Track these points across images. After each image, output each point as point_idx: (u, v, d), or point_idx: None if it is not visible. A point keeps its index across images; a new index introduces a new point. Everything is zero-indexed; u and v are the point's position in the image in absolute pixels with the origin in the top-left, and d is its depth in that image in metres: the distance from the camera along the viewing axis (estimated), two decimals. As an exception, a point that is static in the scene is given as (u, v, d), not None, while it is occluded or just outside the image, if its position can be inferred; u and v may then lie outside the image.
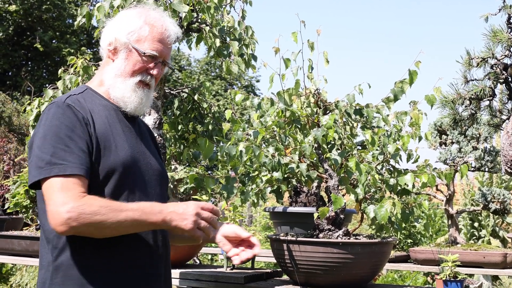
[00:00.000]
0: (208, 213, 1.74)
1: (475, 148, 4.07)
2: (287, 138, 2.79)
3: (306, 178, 2.81)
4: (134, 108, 1.88)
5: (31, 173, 1.69)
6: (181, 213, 1.70)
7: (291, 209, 3.52)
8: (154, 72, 1.88)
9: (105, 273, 1.70)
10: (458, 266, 2.58)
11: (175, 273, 2.91)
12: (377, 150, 2.74)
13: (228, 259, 3.04)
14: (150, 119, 3.25)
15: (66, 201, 1.61)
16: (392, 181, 2.66)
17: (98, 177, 1.72)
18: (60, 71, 3.50)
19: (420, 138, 2.78)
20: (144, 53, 1.85)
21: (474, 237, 6.73)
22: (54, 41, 18.16)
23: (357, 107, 2.81)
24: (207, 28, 3.34)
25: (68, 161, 1.65)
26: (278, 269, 3.07)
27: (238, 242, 1.83)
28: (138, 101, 1.87)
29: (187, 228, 1.69)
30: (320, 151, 2.73)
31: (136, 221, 1.66)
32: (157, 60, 1.88)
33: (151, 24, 1.88)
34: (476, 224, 6.77)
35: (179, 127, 3.69)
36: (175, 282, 2.89)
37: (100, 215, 1.61)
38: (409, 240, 4.67)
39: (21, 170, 5.06)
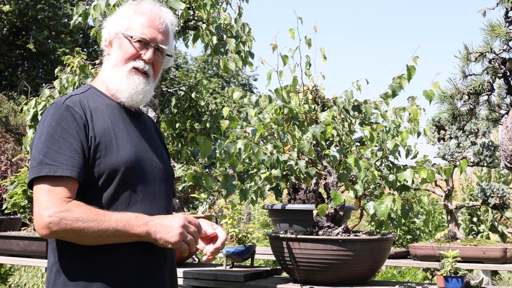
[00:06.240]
0: (194, 227, 1.71)
1: (473, 143, 4.07)
2: (286, 135, 2.78)
3: (305, 175, 2.80)
4: (129, 96, 1.84)
5: (29, 173, 1.70)
6: (167, 226, 1.67)
7: (290, 206, 3.51)
8: (146, 56, 1.84)
9: (107, 274, 1.69)
10: (458, 261, 2.58)
11: (175, 272, 2.90)
12: (375, 146, 2.73)
13: (227, 257, 3.03)
14: (147, 118, 3.24)
15: (49, 205, 1.61)
16: (391, 177, 2.65)
17: (99, 177, 1.71)
18: (56, 70, 3.49)
19: (418, 134, 2.77)
20: (132, 37, 1.83)
21: (473, 232, 6.73)
22: (49, 41, 18.10)
23: (355, 103, 2.80)
24: (204, 26, 3.33)
25: (59, 162, 1.65)
26: (278, 267, 3.06)
27: (211, 238, 1.86)
28: (133, 87, 1.83)
29: (172, 241, 1.66)
30: (318, 148, 2.72)
31: (118, 231, 1.64)
32: (148, 45, 1.85)
33: (141, 12, 1.87)
34: (475, 219, 6.77)
35: (177, 125, 3.68)
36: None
37: (82, 222, 1.60)
38: (408, 236, 4.66)
39: (19, 170, 5.04)
